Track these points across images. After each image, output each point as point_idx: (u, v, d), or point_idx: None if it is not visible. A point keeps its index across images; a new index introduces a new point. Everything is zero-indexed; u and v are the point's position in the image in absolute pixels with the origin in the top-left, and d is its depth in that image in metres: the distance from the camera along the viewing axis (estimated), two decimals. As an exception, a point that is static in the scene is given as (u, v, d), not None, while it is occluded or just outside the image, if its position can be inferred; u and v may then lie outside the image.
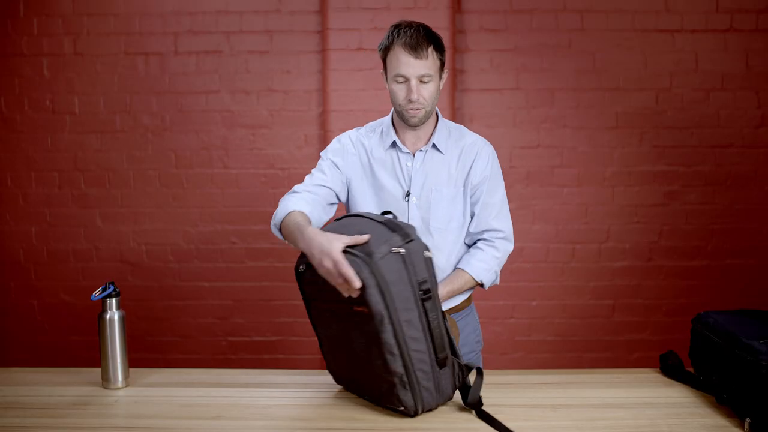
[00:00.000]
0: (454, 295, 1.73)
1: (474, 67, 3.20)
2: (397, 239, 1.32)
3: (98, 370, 1.65)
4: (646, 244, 3.26)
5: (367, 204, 1.76)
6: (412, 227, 1.37)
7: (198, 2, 3.20)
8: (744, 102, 3.19)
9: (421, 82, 1.63)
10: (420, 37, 1.62)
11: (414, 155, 1.75)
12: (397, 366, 1.32)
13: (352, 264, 1.27)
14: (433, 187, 1.73)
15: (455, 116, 3.16)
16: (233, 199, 3.29)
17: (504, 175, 2.82)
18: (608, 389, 1.55)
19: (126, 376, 1.62)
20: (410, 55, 1.61)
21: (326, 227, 1.47)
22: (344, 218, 1.50)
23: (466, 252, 1.79)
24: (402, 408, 1.36)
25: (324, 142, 3.18)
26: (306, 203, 1.63)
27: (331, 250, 1.29)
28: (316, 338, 1.58)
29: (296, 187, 1.71)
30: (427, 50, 1.62)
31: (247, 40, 3.21)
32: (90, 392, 1.58)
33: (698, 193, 3.24)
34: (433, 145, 1.74)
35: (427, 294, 1.33)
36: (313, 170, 1.77)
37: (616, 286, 3.28)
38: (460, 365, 1.40)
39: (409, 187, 1.74)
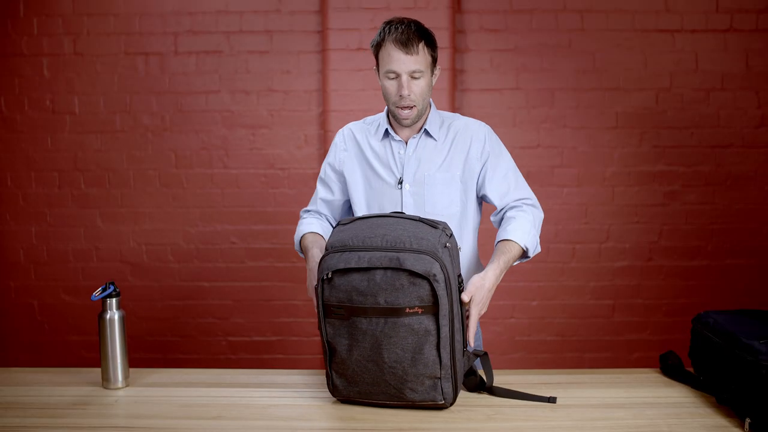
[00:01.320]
0: (509, 266, 1.60)
1: (474, 67, 3.20)
2: (443, 234, 1.37)
3: (98, 370, 1.65)
4: (646, 244, 3.26)
5: (359, 194, 1.80)
6: (444, 222, 1.42)
7: (198, 2, 3.20)
8: (744, 102, 3.19)
9: (412, 77, 1.65)
10: (411, 33, 1.63)
11: (407, 143, 1.76)
12: (447, 359, 1.35)
13: (420, 261, 1.31)
14: (426, 173, 1.74)
15: (455, 116, 3.16)
16: (233, 199, 3.29)
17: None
18: (608, 389, 1.55)
19: (126, 376, 1.62)
20: (401, 51, 1.62)
21: (353, 225, 1.44)
22: (372, 218, 1.45)
23: (500, 227, 1.73)
24: (442, 401, 1.37)
25: (324, 142, 3.18)
26: (315, 224, 1.81)
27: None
28: (315, 338, 1.59)
29: (305, 209, 1.90)
30: (417, 46, 1.63)
31: (247, 40, 3.22)
32: (90, 392, 1.58)
33: (698, 193, 3.24)
34: (426, 132, 1.76)
35: (461, 285, 1.39)
36: (322, 182, 1.88)
37: (616, 286, 3.28)
38: (467, 352, 1.45)
39: (402, 174, 1.75)
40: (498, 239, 1.66)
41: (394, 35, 1.63)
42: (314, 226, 1.80)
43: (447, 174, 1.74)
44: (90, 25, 3.21)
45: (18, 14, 3.20)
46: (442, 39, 3.08)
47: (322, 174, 1.88)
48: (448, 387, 1.37)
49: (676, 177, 3.23)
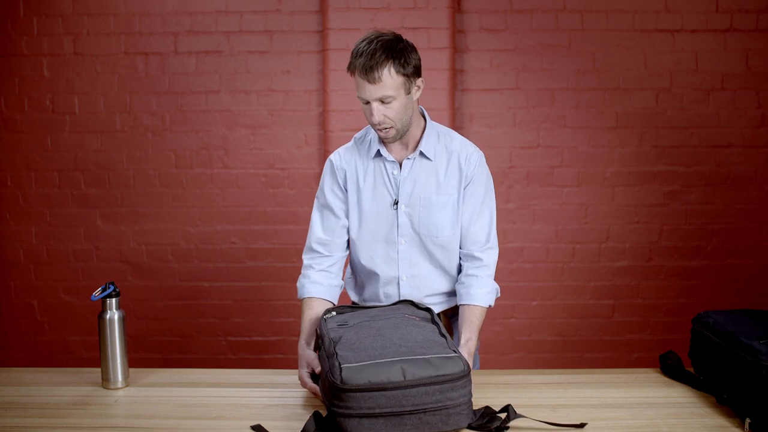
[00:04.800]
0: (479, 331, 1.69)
1: (474, 67, 3.20)
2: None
3: (98, 370, 1.65)
4: (646, 244, 3.26)
5: (354, 214, 1.77)
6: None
7: (198, 2, 3.20)
8: (744, 102, 3.19)
9: (383, 102, 1.60)
10: (375, 59, 1.55)
11: (401, 164, 1.73)
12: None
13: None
14: (422, 194, 1.72)
15: (455, 116, 3.16)
16: (233, 199, 3.29)
17: (504, 175, 2.82)
18: (608, 389, 1.56)
19: (126, 376, 1.62)
20: (364, 79, 1.57)
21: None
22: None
23: (460, 283, 1.74)
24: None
25: (324, 142, 3.18)
26: (320, 284, 1.76)
27: (301, 378, 1.54)
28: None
29: (308, 254, 1.79)
30: (381, 72, 1.56)
31: (247, 40, 3.22)
32: (90, 392, 1.58)
33: (698, 193, 3.24)
34: (421, 153, 1.72)
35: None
36: (312, 217, 1.81)
37: (616, 286, 3.28)
38: None
39: (397, 196, 1.73)
40: (465, 301, 1.70)
41: (359, 61, 1.57)
42: (319, 288, 1.75)
43: (443, 197, 1.71)
44: (90, 25, 3.21)
45: (18, 14, 3.20)
46: (442, 39, 3.10)
47: (322, 202, 1.79)
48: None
49: (676, 177, 3.23)
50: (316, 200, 1.83)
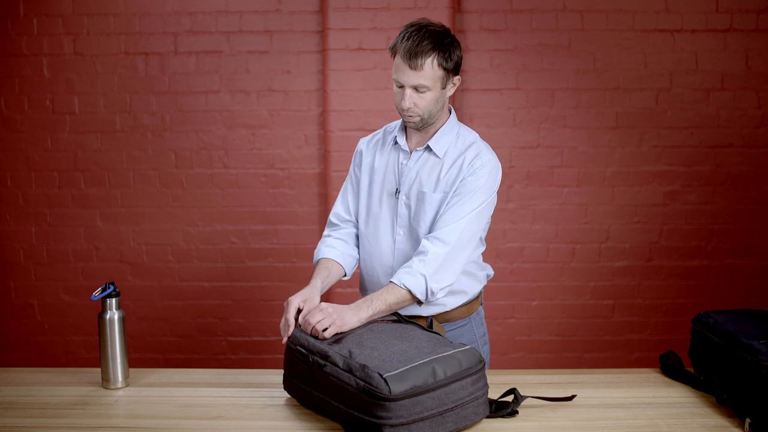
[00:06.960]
0: (385, 310, 1.59)
1: (474, 67, 3.20)
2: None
3: (98, 370, 1.65)
4: (646, 244, 3.26)
5: (363, 197, 1.82)
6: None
7: (198, 2, 3.20)
8: (744, 102, 3.19)
9: (417, 90, 1.61)
10: (422, 46, 1.57)
11: (411, 154, 1.75)
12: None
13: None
14: (421, 189, 1.70)
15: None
16: (233, 199, 3.29)
17: (504, 175, 2.77)
18: (608, 389, 1.56)
19: (126, 376, 1.62)
20: (406, 63, 1.59)
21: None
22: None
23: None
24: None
25: (324, 142, 3.18)
26: (334, 248, 1.81)
27: (289, 302, 1.70)
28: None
29: (330, 221, 1.89)
30: (424, 61, 1.58)
31: (247, 40, 3.22)
32: (90, 392, 1.58)
33: (698, 193, 3.24)
34: (428, 147, 1.72)
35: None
36: (343, 186, 1.90)
37: (616, 286, 3.28)
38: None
39: (399, 185, 1.74)
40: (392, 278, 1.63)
41: (405, 45, 1.59)
42: (333, 251, 1.79)
43: (437, 195, 1.68)
44: (90, 25, 3.21)
45: (18, 14, 3.20)
46: (442, 39, 3.10)
47: (347, 179, 1.89)
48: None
49: (676, 177, 3.23)
50: (350, 174, 1.90)
